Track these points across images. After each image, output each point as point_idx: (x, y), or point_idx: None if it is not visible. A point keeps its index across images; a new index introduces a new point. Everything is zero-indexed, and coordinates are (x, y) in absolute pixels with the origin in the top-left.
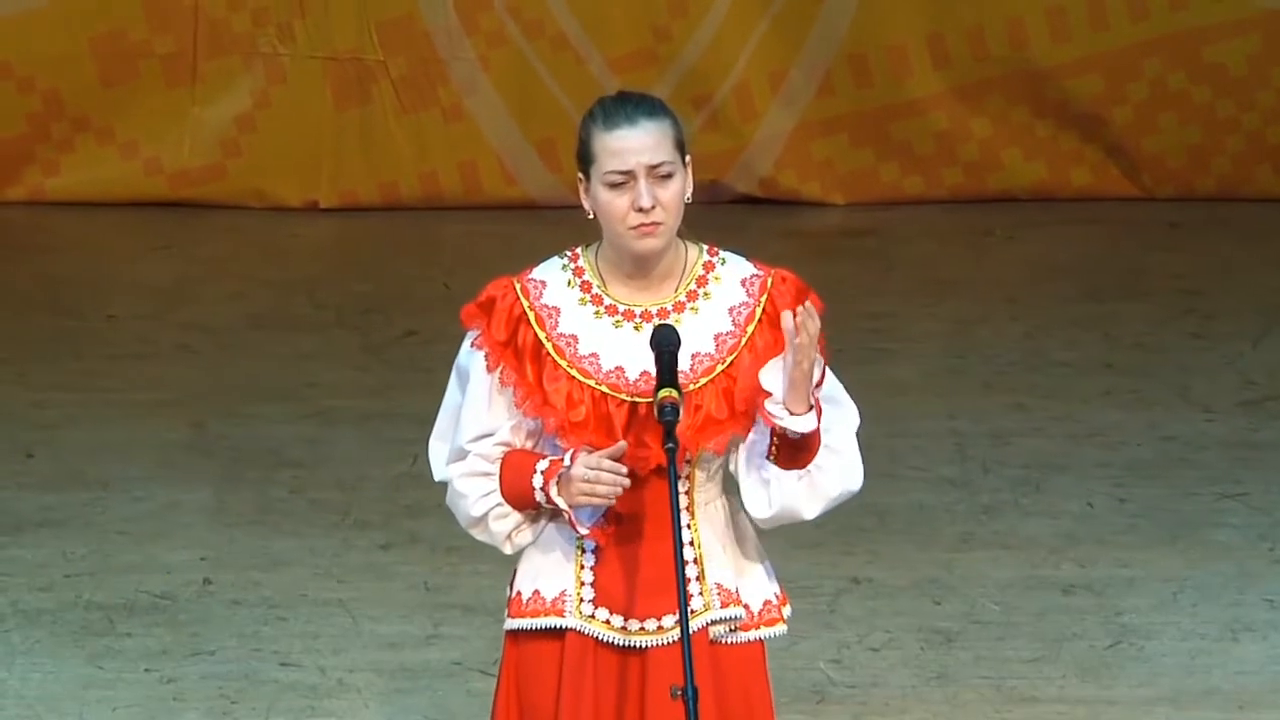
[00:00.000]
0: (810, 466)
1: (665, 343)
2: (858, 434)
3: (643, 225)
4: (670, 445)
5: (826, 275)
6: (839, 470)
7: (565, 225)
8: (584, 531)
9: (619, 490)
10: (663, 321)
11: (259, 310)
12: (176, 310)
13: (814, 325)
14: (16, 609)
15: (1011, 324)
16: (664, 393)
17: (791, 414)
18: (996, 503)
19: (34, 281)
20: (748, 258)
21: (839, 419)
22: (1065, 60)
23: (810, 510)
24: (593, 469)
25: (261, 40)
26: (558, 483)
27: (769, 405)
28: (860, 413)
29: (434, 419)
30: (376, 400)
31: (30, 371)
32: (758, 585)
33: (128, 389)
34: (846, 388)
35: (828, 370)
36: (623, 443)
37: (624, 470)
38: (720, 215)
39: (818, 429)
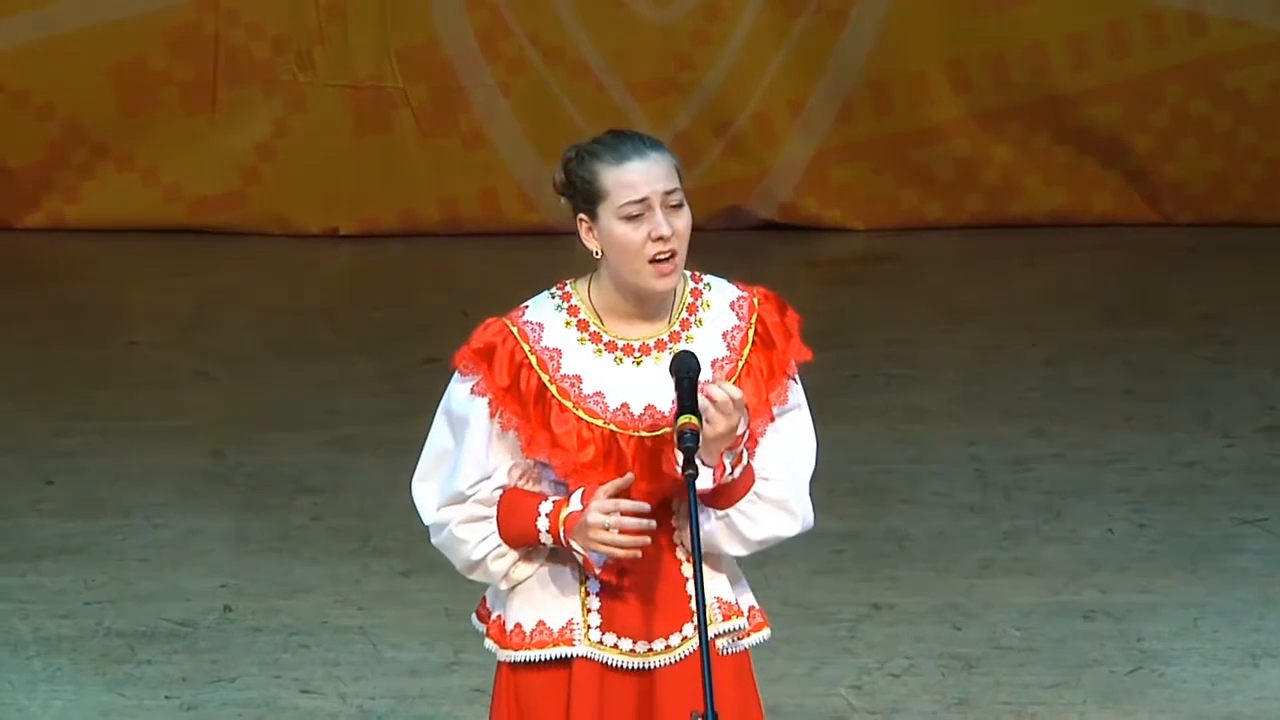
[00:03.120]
0: (730, 510)
1: (685, 369)
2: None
3: (659, 256)
4: (691, 471)
5: (846, 301)
6: (765, 518)
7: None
8: (598, 572)
9: (644, 541)
10: (683, 348)
11: (279, 337)
12: (196, 338)
13: (719, 394)
14: (38, 636)
15: (1031, 350)
16: (684, 419)
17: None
18: (1017, 529)
19: (54, 309)
20: (729, 279)
21: (787, 464)
22: (1086, 87)
23: (733, 549)
24: (609, 514)
25: (281, 68)
26: (565, 525)
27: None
28: (875, 440)
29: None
30: (396, 427)
31: (50, 399)
32: (744, 595)
33: (148, 417)
34: (866, 413)
35: (798, 412)
36: (630, 475)
37: (651, 525)
38: (740, 241)
39: (732, 483)
